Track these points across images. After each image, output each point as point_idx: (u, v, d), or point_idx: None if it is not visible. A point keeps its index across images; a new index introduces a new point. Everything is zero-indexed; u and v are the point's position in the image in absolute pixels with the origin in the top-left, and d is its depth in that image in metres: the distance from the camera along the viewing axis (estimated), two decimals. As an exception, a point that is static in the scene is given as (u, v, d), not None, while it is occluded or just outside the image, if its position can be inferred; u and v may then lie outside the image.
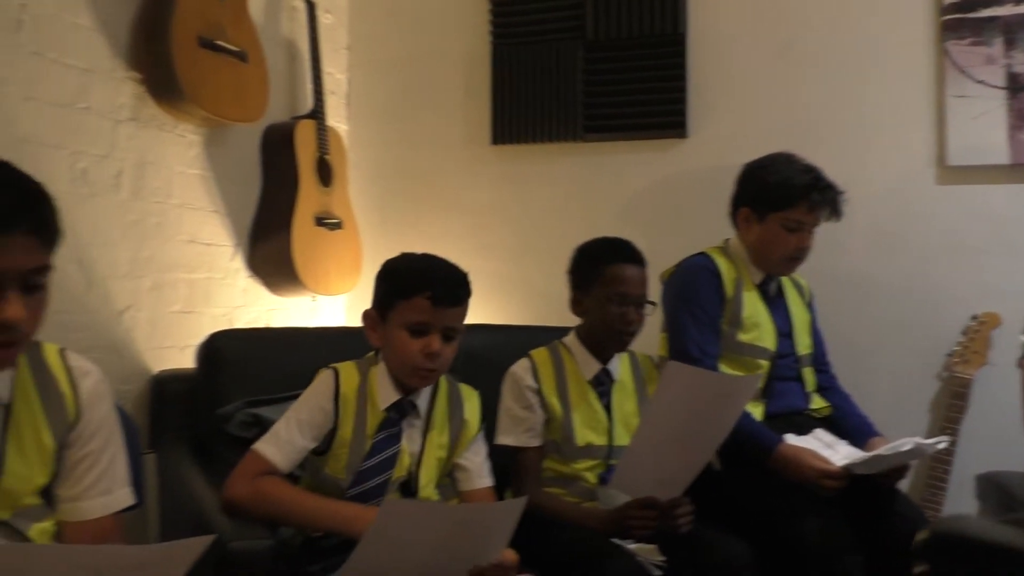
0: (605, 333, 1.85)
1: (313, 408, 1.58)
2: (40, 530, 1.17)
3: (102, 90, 2.02)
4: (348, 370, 1.63)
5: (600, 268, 1.84)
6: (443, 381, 1.69)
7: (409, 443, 1.60)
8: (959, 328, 2.36)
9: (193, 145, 2.31)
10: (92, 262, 2.01)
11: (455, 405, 1.68)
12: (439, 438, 1.64)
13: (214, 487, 1.65)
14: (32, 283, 1.06)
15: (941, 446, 1.89)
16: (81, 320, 1.96)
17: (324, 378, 1.61)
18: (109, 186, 2.06)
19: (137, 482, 1.36)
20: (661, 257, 2.19)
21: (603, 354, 1.89)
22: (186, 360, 2.18)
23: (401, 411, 1.61)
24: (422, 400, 1.63)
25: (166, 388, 2.08)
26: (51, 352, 1.22)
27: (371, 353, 1.67)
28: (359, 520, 1.43)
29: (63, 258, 1.86)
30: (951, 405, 2.28)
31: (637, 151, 2.65)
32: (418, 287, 1.54)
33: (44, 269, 1.08)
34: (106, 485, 1.23)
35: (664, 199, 2.64)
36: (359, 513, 1.46)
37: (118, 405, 1.34)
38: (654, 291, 2.15)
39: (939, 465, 2.22)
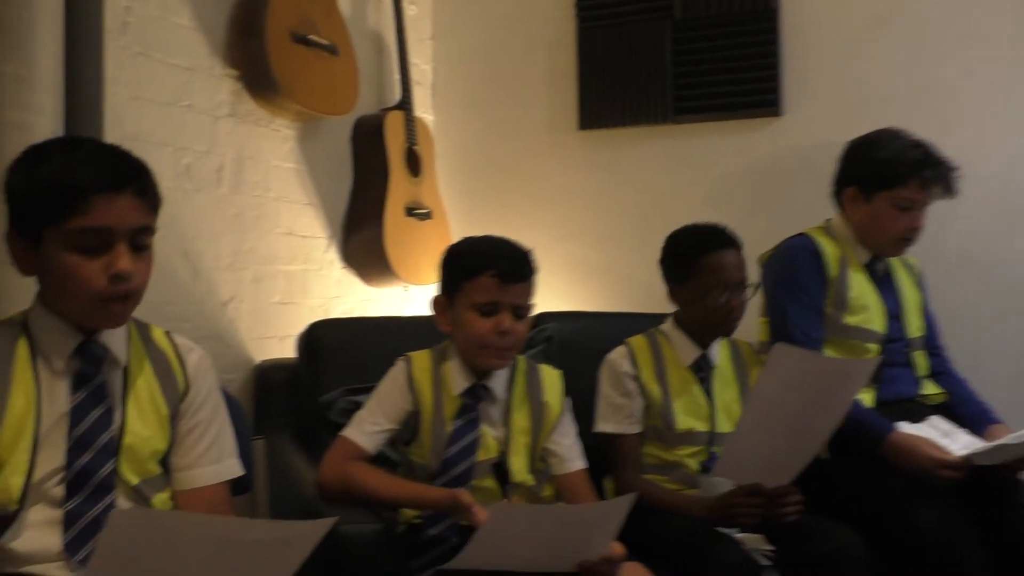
0: (707, 323, 1.82)
1: (390, 392, 1.62)
2: (161, 500, 1.23)
3: (202, 87, 2.09)
4: (421, 357, 1.66)
5: (695, 259, 1.81)
6: (521, 363, 1.70)
7: (491, 428, 1.62)
8: (1083, 309, 2.23)
9: (288, 139, 2.37)
10: (197, 255, 2.08)
11: (534, 388, 1.68)
12: (521, 422, 1.64)
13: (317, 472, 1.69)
14: (139, 243, 1.16)
15: (1070, 433, 1.78)
16: (188, 311, 2.04)
17: (398, 367, 1.65)
18: (211, 181, 2.13)
19: (246, 465, 1.40)
20: (757, 241, 2.13)
21: (703, 340, 1.86)
22: (286, 350, 2.25)
23: (476, 396, 1.62)
24: (498, 384, 1.63)
25: (269, 377, 2.14)
26: (158, 333, 1.30)
27: (446, 341, 1.68)
28: (443, 498, 1.46)
29: (170, 251, 1.96)
30: (1076, 390, 2.15)
31: (729, 132, 2.60)
32: (483, 265, 1.55)
33: (149, 230, 1.18)
34: (215, 454, 1.29)
35: (759, 180, 2.58)
36: (442, 493, 1.49)
37: (223, 388, 1.40)
38: (752, 274, 2.11)
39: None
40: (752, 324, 2.13)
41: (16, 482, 1.12)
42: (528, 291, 1.60)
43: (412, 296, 2.81)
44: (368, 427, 1.60)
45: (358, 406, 1.94)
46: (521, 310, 1.58)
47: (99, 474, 1.15)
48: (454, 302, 1.60)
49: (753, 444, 1.56)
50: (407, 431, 1.62)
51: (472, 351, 1.59)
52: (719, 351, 1.89)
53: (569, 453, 1.68)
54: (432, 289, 2.87)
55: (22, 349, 1.16)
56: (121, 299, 1.15)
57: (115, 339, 1.21)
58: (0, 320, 1.22)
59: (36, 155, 1.15)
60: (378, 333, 2.22)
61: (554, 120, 2.81)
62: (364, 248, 2.51)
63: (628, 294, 2.64)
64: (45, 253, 1.13)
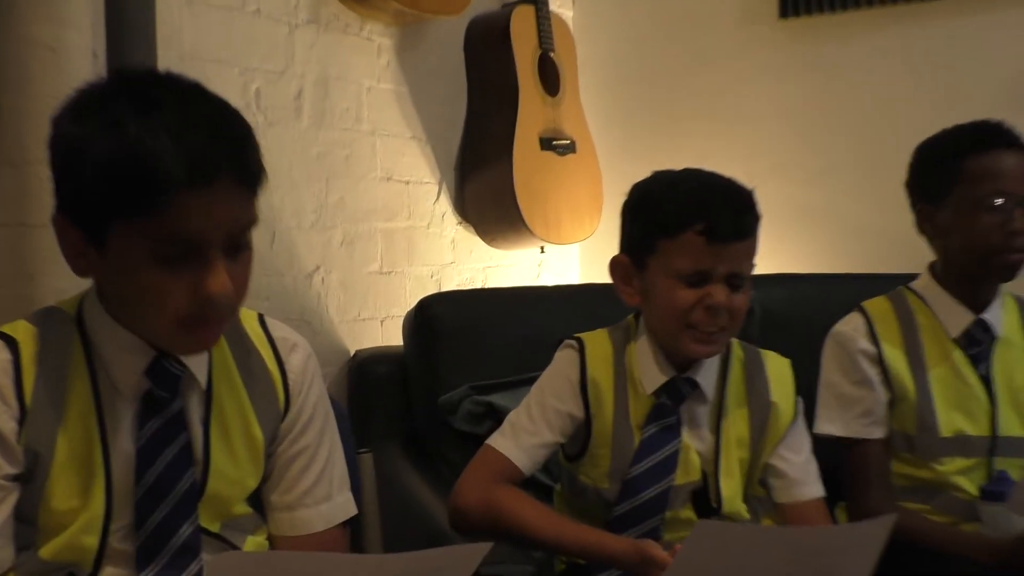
0: (978, 259, 1.72)
1: (557, 393, 1.60)
2: (255, 544, 1.26)
3: (273, -13, 2.16)
4: (597, 343, 1.64)
5: (959, 163, 1.72)
6: (737, 349, 1.66)
7: (694, 438, 1.60)
8: None
9: (383, 51, 2.42)
10: (275, 211, 2.16)
11: (756, 382, 1.64)
12: (738, 429, 1.61)
13: (440, 494, 1.75)
14: (238, 242, 1.13)
15: None
16: (264, 285, 2.12)
17: (565, 356, 1.63)
18: (289, 111, 2.20)
19: (353, 488, 1.41)
20: None
21: (977, 296, 1.77)
22: (390, 335, 2.31)
23: (677, 394, 1.59)
24: (706, 377, 1.61)
25: (369, 371, 2.21)
26: (250, 320, 1.29)
27: (630, 317, 1.67)
28: (625, 551, 1.44)
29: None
30: None
31: (1018, 4, 2.48)
32: (687, 218, 1.50)
33: (251, 223, 1.15)
34: (325, 490, 1.30)
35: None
36: (623, 544, 1.47)
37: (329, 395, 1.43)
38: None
39: None
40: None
41: (90, 543, 1.15)
42: (749, 251, 1.55)
43: (551, 259, 2.83)
44: (525, 439, 1.58)
45: (491, 408, 2.01)
46: (739, 278, 1.53)
47: (180, 533, 1.18)
48: (644, 266, 1.57)
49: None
50: (575, 443, 1.62)
51: (671, 332, 1.56)
52: (1003, 314, 1.79)
53: (802, 475, 1.63)
54: (574, 250, 2.99)
55: (77, 356, 1.17)
56: (211, 323, 1.13)
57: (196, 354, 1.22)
58: (46, 310, 1.20)
59: (98, 110, 1.09)
60: (510, 309, 2.26)
61: (743, 6, 2.77)
62: (487, 196, 2.54)
63: (856, 248, 2.58)
64: (110, 251, 1.10)
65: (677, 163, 1.68)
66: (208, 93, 1.15)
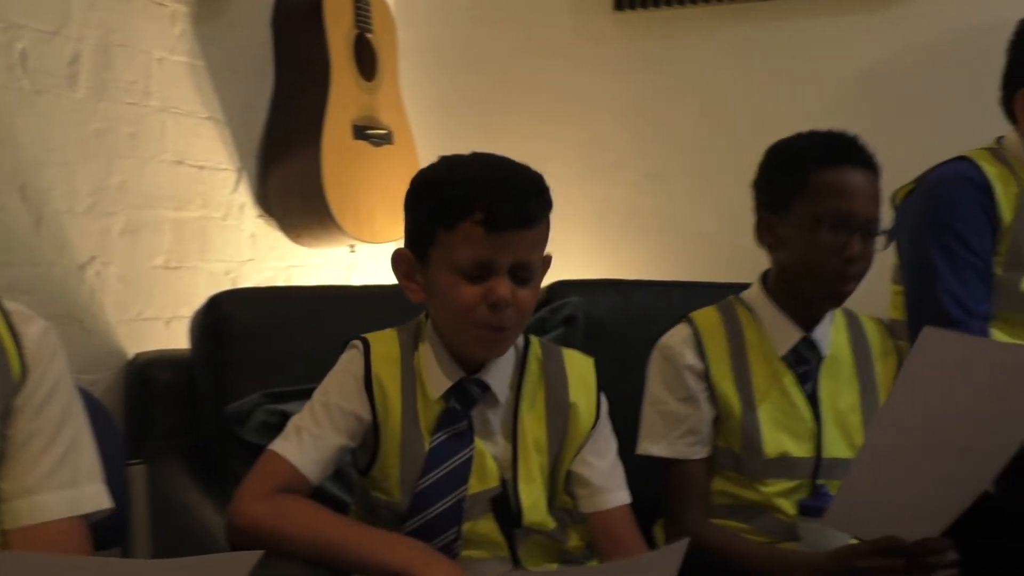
0: (812, 277, 1.78)
1: (342, 392, 1.59)
2: None
3: (47, -63, 2.06)
4: (383, 343, 1.63)
5: (807, 173, 1.76)
6: (535, 347, 1.67)
7: (489, 444, 1.60)
8: None
9: (178, 19, 2.34)
10: (42, 191, 2.05)
11: (555, 382, 1.65)
12: (535, 433, 1.62)
13: (223, 512, 1.66)
14: None
15: None
16: (24, 276, 2.01)
17: (349, 356, 1.63)
18: (61, 79, 2.09)
19: (117, 500, 1.37)
20: (890, 171, 2.08)
21: (806, 314, 1.83)
22: (176, 337, 2.22)
23: (466, 397, 1.60)
24: (498, 378, 1.61)
25: (151, 376, 2.12)
26: None
27: (421, 315, 1.66)
28: (393, 563, 1.43)
29: None
30: None
31: (846, 11, 2.59)
32: (465, 207, 1.50)
33: None
34: (69, 475, 1.27)
35: (891, 81, 2.57)
36: (395, 556, 1.45)
37: (83, 389, 1.37)
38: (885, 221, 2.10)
39: None
40: (878, 296, 2.09)
41: None
42: (536, 241, 1.56)
43: (362, 259, 2.79)
44: (311, 443, 1.56)
45: (285, 419, 1.92)
46: (526, 270, 1.54)
47: None
48: (427, 259, 1.57)
49: (885, 478, 1.52)
50: (365, 452, 1.60)
51: (456, 331, 1.57)
52: (832, 332, 1.86)
53: (607, 481, 1.65)
54: (388, 249, 2.91)
55: None
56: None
57: None
58: None
59: None
60: (313, 312, 2.21)
61: (577, -4, 2.81)
62: (292, 187, 2.50)
63: (688, 255, 2.63)
64: None
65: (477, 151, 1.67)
66: None
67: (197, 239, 2.39)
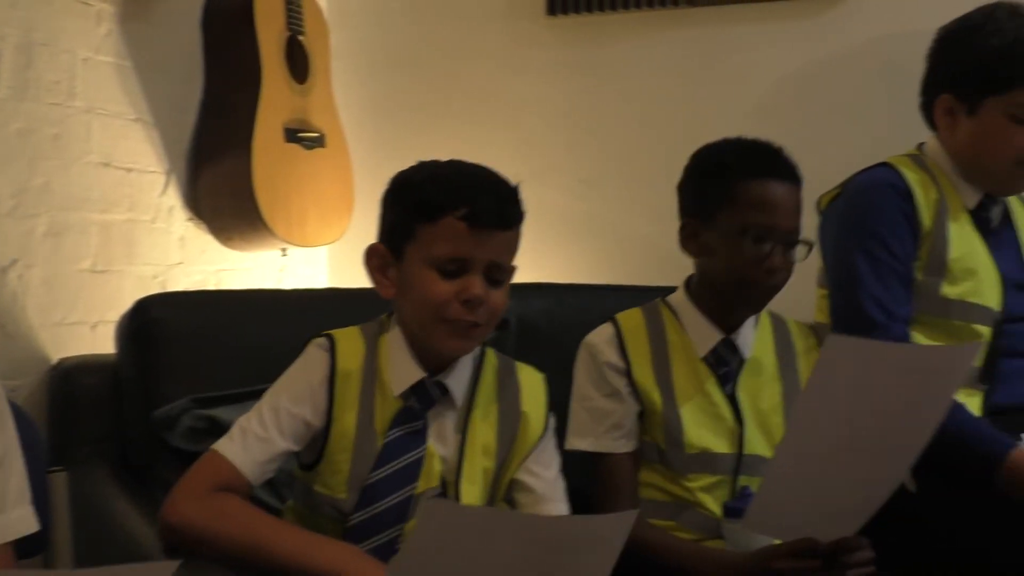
0: (733, 285, 1.82)
1: (294, 397, 1.60)
2: None
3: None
4: (348, 339, 1.65)
5: (730, 183, 1.80)
6: (491, 356, 1.71)
7: (440, 445, 1.62)
8: None
9: (104, 18, 2.31)
10: (-40, 193, 2.01)
11: (508, 391, 1.69)
12: (484, 436, 1.65)
13: (151, 521, 1.67)
14: None
15: None
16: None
17: (312, 356, 1.63)
18: (-20, 77, 2.06)
19: (39, 511, 1.36)
20: (816, 176, 2.11)
21: (727, 317, 1.86)
22: (102, 342, 2.19)
23: (425, 398, 1.62)
24: (457, 381, 1.64)
25: (75, 382, 2.09)
26: None
27: (384, 316, 1.68)
28: (327, 564, 1.44)
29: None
30: None
31: (774, 19, 2.62)
32: (449, 202, 1.55)
33: None
34: None
35: (817, 89, 2.60)
36: (326, 557, 1.46)
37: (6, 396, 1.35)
38: (809, 226, 2.12)
39: None
40: (805, 297, 2.13)
41: None
42: (511, 245, 1.62)
43: (295, 263, 2.78)
44: (255, 445, 1.57)
45: (214, 423, 1.93)
46: (498, 271, 1.58)
47: None
48: (402, 255, 1.60)
49: (800, 481, 1.55)
50: (311, 449, 1.61)
51: (425, 327, 1.59)
52: (754, 334, 1.89)
53: (550, 492, 1.69)
54: (322, 253, 2.94)
55: None
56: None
57: None
58: None
59: None
60: (244, 316, 2.20)
61: (511, 1, 2.80)
62: (223, 190, 2.48)
63: (621, 259, 2.64)
64: None
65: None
66: None
67: (124, 242, 2.35)
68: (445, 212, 1.54)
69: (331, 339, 1.63)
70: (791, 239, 1.80)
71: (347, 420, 1.59)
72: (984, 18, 2.04)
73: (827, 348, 1.54)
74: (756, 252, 1.78)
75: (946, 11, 2.14)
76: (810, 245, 1.85)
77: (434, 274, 1.55)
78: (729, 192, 1.80)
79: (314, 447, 1.61)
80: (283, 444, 1.58)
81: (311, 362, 1.62)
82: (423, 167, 1.65)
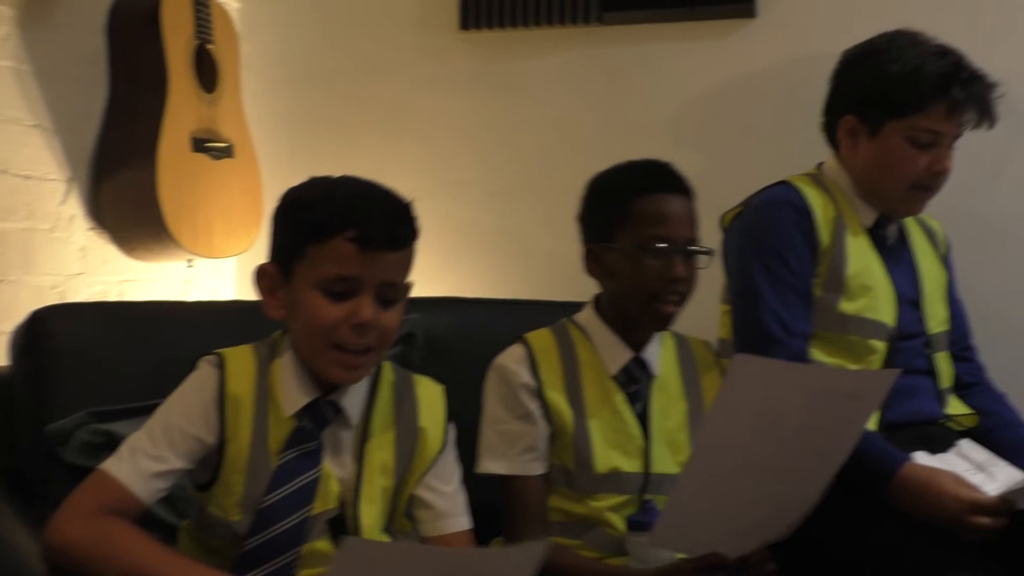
0: (638, 300, 1.84)
1: (186, 414, 1.57)
2: None
3: None
4: (239, 358, 1.62)
5: (626, 203, 1.84)
6: (388, 371, 1.69)
7: (336, 465, 1.61)
8: None
9: (2, 21, 2.27)
10: None
11: (406, 407, 1.68)
12: (382, 456, 1.64)
13: (39, 539, 1.59)
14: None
15: None
16: None
17: (202, 374, 1.61)
18: None
19: None
20: (721, 193, 2.18)
21: (636, 335, 1.88)
22: (-6, 353, 2.13)
23: (319, 418, 1.60)
24: (352, 400, 1.63)
25: None
26: None
27: (278, 333, 1.66)
28: None
29: None
30: None
31: (683, 39, 2.64)
32: (339, 222, 1.53)
33: None
34: None
35: (724, 108, 2.63)
36: None
37: None
38: (711, 239, 2.15)
39: None
40: (708, 316, 2.15)
41: None
42: (403, 265, 1.60)
43: (201, 275, 2.74)
44: (146, 464, 1.54)
45: (111, 438, 1.88)
46: (391, 291, 1.57)
47: None
48: (292, 275, 1.57)
49: (707, 498, 1.57)
50: (206, 469, 1.59)
51: (315, 351, 1.57)
52: (661, 352, 1.91)
53: (450, 506, 1.68)
54: (230, 264, 2.90)
55: None
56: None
57: None
58: None
59: None
60: (146, 328, 2.15)
61: (424, 15, 2.80)
62: (126, 199, 2.45)
63: (531, 274, 2.64)
64: None
65: (348, 174, 1.68)
66: None
67: (21, 251, 2.31)
68: (334, 233, 1.52)
69: (221, 357, 1.61)
70: (690, 248, 1.84)
71: (240, 441, 1.57)
72: (887, 44, 2.09)
73: (735, 367, 1.55)
74: (658, 264, 1.81)
75: (850, 35, 2.18)
76: (710, 253, 1.88)
77: (322, 297, 1.53)
78: (625, 211, 1.84)
79: (208, 466, 1.58)
80: (176, 463, 1.55)
81: (202, 380, 1.60)
82: (313, 184, 1.63)
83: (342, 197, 1.57)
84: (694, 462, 1.60)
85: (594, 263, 1.89)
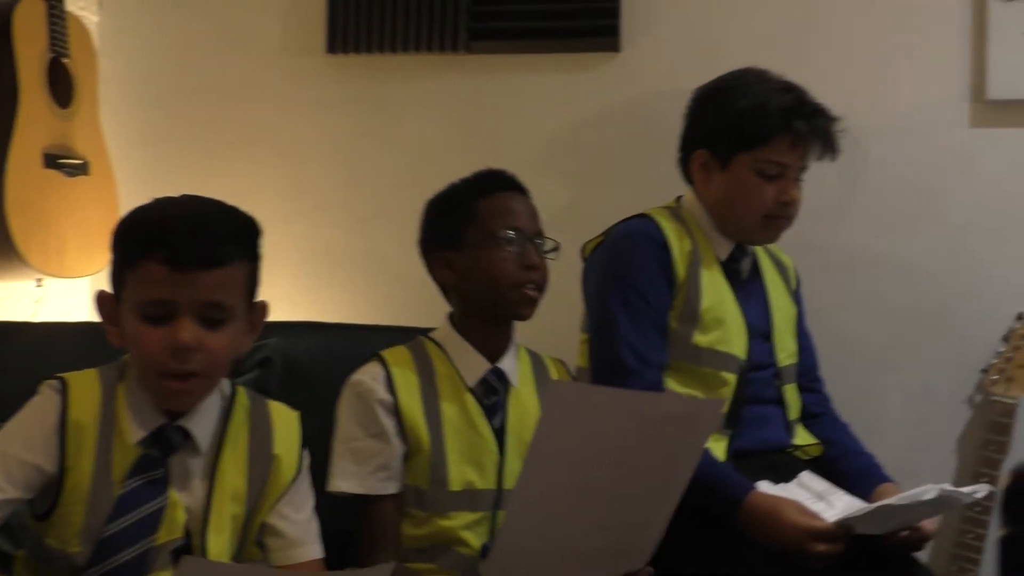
0: (499, 291, 1.86)
1: (25, 442, 1.52)
2: None
3: None
4: (83, 383, 1.57)
5: (471, 205, 1.89)
6: (242, 396, 1.67)
7: (184, 493, 1.57)
8: (1000, 332, 2.46)
9: None
10: None
11: (259, 433, 1.65)
12: (233, 482, 1.61)
13: None
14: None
15: (978, 495, 1.94)
16: None
17: (44, 399, 1.56)
18: None
19: None
20: (585, 224, 2.22)
21: (493, 345, 1.90)
22: None
23: (166, 444, 1.57)
24: (201, 425, 1.59)
25: None
26: None
27: (127, 355, 1.62)
28: None
29: None
30: (988, 441, 2.37)
31: (549, 70, 2.68)
32: (146, 245, 1.50)
33: None
34: None
35: (588, 139, 2.67)
36: None
37: None
38: (573, 270, 2.18)
39: (972, 527, 2.30)
40: (569, 343, 2.18)
41: None
42: (226, 283, 1.55)
43: (52, 294, 2.65)
44: None
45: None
46: (216, 311, 1.53)
47: None
48: (121, 301, 1.55)
49: (538, 527, 1.58)
50: (45, 498, 1.53)
51: (149, 381, 1.54)
52: (518, 364, 1.93)
53: (302, 534, 1.66)
54: (83, 284, 2.82)
55: None
56: None
57: None
58: None
59: None
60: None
61: (290, 37, 2.79)
62: None
63: (397, 299, 2.63)
64: None
65: (209, 195, 1.64)
66: None
67: None
68: (143, 255, 1.49)
69: (63, 382, 1.56)
70: (539, 239, 1.90)
71: (82, 470, 1.52)
72: (735, 80, 2.16)
73: (549, 395, 1.58)
74: (512, 252, 1.86)
75: (708, 72, 2.24)
76: (558, 246, 1.91)
77: (143, 323, 1.50)
78: (470, 212, 1.89)
79: (47, 495, 1.53)
80: (12, 492, 1.50)
81: (43, 406, 1.55)
82: (143, 206, 1.60)
83: (153, 218, 1.55)
84: (521, 488, 1.61)
85: (445, 269, 1.91)
